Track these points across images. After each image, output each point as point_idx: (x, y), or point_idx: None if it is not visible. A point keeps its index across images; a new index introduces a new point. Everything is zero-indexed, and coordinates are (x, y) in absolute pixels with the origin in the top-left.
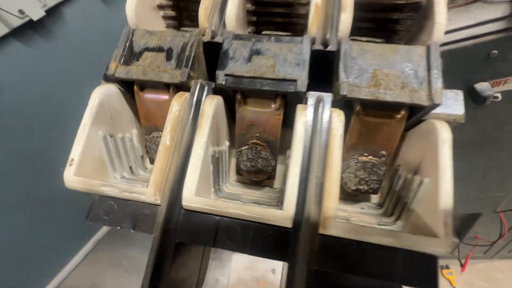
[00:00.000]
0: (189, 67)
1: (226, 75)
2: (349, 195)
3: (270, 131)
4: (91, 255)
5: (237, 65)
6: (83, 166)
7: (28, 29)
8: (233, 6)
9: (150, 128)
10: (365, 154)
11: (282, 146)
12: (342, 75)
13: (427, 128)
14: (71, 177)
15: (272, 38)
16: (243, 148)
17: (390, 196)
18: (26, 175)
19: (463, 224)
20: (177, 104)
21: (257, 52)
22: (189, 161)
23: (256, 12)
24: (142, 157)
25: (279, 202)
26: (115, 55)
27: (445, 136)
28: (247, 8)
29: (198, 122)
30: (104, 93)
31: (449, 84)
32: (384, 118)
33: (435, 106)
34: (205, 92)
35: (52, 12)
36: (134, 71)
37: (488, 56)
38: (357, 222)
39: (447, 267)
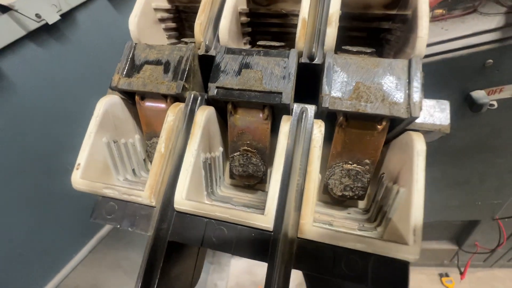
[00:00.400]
0: (184, 80)
1: (217, 87)
2: (338, 200)
3: (259, 139)
4: (91, 256)
5: (227, 78)
6: (89, 170)
7: (43, 32)
8: (226, 21)
9: (150, 134)
10: (350, 162)
11: (273, 152)
12: (325, 88)
13: (405, 140)
14: (78, 180)
15: (261, 51)
16: (235, 154)
17: (375, 202)
18: (34, 174)
19: (462, 231)
20: (172, 114)
21: (247, 66)
22: (181, 167)
23: (251, 23)
24: (144, 160)
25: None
26: (118, 67)
27: (419, 148)
28: (242, 21)
29: (190, 131)
30: (108, 103)
31: (445, 91)
32: (366, 129)
33: (414, 118)
34: (198, 103)
35: (66, 16)
36: (135, 83)
37: (484, 65)
38: (338, 227)
39: (447, 275)
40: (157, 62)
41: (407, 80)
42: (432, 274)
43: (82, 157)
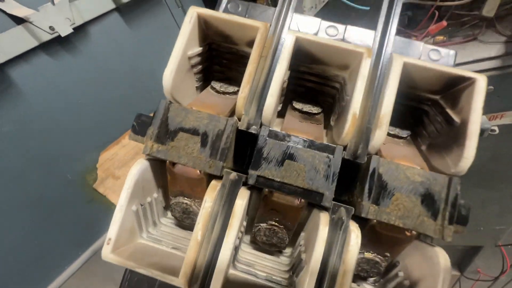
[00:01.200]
0: (223, 161)
1: (258, 176)
2: None
3: (289, 219)
4: (83, 268)
5: (269, 167)
6: (118, 241)
7: (55, 43)
8: (273, 100)
9: (176, 193)
10: (371, 251)
11: (299, 227)
12: (365, 197)
13: (431, 255)
14: (109, 255)
15: (307, 142)
16: (261, 224)
17: (385, 283)
18: (34, 181)
19: (464, 257)
20: (210, 200)
21: (290, 157)
22: (218, 259)
23: (289, 82)
24: (164, 207)
25: (288, 284)
26: (151, 132)
27: (445, 276)
28: (283, 87)
29: (228, 218)
30: (138, 172)
31: None
32: (395, 233)
33: (444, 240)
34: (235, 186)
35: (78, 29)
36: (170, 153)
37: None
38: None
39: None
40: (194, 132)
41: (445, 200)
42: None
43: (112, 232)
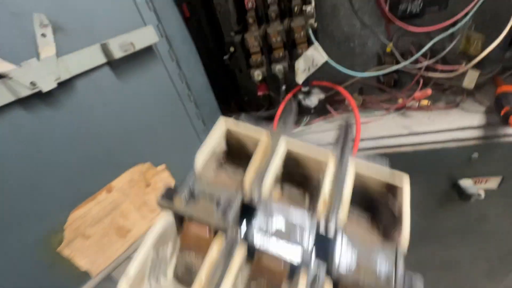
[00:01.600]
0: (230, 221)
1: (254, 235)
2: None
3: (274, 283)
4: None
5: (262, 232)
6: (134, 280)
7: (35, 97)
8: (270, 181)
9: (184, 247)
10: None
11: None
12: (336, 262)
13: None
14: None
15: (294, 213)
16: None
17: None
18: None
19: None
20: (216, 247)
21: (279, 224)
22: None
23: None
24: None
25: None
26: (180, 194)
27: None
28: (277, 177)
29: (228, 265)
30: (166, 221)
31: (434, 177)
32: None
33: None
34: (235, 240)
35: (63, 83)
36: (190, 211)
37: (470, 158)
38: None
39: None
40: (211, 198)
41: (394, 267)
42: None
43: (134, 267)
